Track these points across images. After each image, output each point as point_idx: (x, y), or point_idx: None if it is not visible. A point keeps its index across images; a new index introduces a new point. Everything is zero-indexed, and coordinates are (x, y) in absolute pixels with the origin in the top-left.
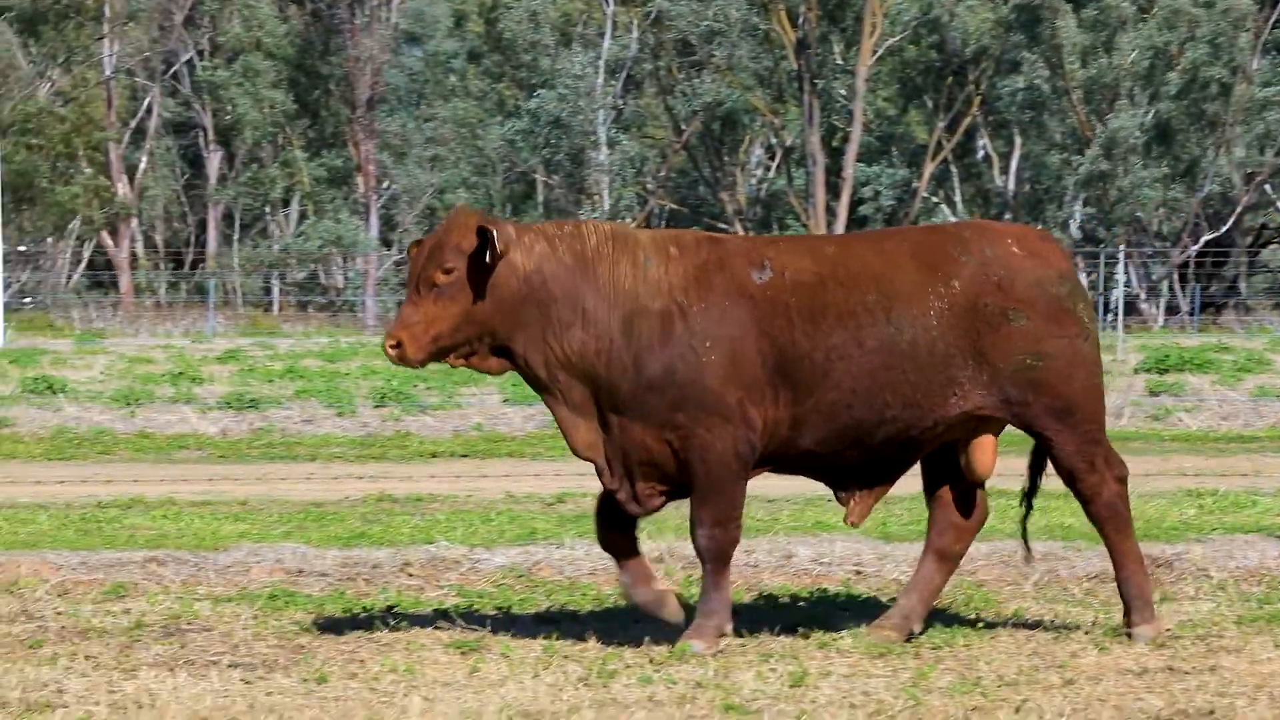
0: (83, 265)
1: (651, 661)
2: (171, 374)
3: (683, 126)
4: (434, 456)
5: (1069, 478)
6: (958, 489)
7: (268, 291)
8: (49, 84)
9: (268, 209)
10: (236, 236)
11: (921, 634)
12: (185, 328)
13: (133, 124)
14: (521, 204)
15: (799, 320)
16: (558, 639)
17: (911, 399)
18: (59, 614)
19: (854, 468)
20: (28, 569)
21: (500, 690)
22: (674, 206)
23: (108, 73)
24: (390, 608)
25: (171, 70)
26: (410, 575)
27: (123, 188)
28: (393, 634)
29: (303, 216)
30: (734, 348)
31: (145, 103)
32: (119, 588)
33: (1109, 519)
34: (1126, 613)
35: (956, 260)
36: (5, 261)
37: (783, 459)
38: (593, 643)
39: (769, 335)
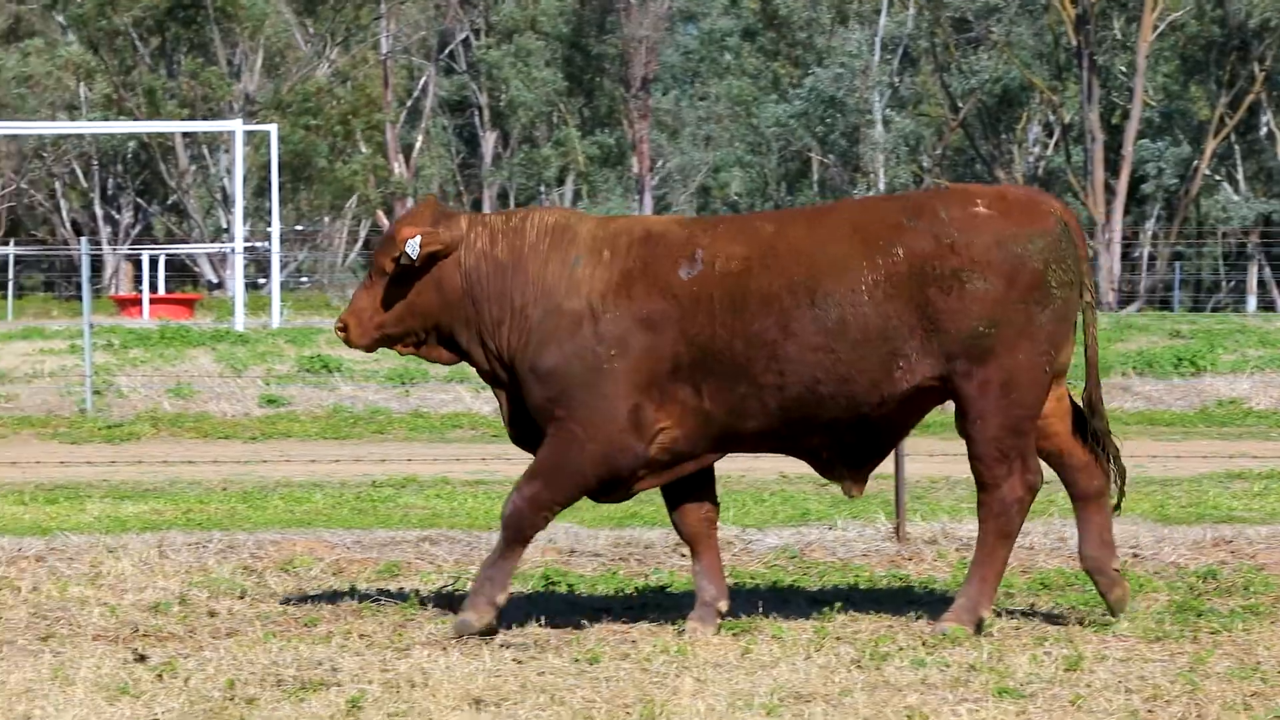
0: (359, 244)
1: (924, 644)
2: None
3: (959, 104)
4: None
5: (975, 460)
6: (1060, 439)
7: None
8: (327, 64)
9: (542, 188)
10: None
11: (1199, 616)
12: None
13: (409, 103)
14: (796, 182)
15: (720, 311)
16: (830, 621)
17: (848, 377)
18: (334, 592)
19: (824, 448)
20: (303, 547)
21: (772, 672)
22: (950, 185)
23: (385, 52)
24: (662, 588)
25: (447, 49)
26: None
27: (399, 167)
28: (664, 614)
29: (577, 196)
30: (641, 354)
31: (421, 82)
32: (392, 567)
33: (995, 519)
34: (956, 603)
35: (902, 227)
36: (283, 241)
37: (735, 442)
38: (865, 624)
39: (686, 334)
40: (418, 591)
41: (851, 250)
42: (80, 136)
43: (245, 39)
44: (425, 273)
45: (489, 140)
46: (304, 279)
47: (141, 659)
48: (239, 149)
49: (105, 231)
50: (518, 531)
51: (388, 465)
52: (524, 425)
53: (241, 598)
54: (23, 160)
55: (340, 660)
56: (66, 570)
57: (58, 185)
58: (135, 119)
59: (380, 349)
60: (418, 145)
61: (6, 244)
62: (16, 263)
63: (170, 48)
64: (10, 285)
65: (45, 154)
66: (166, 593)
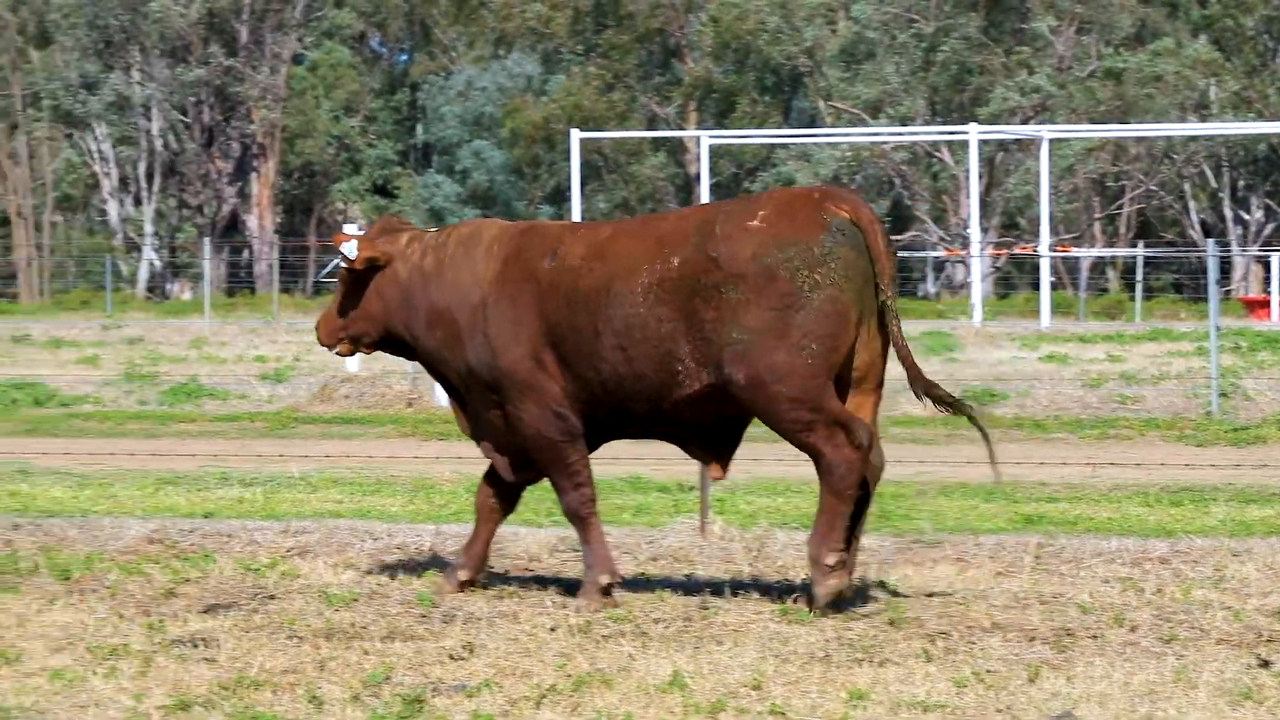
0: None
1: None
2: None
3: None
4: None
5: (794, 443)
6: None
7: None
8: None
9: None
10: None
11: None
12: None
13: None
14: None
15: (563, 303)
16: None
17: (640, 374)
18: None
19: (666, 438)
20: None
21: None
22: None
23: None
24: None
25: None
26: None
27: None
28: None
29: None
30: (520, 330)
31: None
32: None
33: (828, 477)
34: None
35: (686, 240)
36: None
37: (607, 428)
38: None
39: (545, 317)
40: None
41: (642, 260)
42: (1209, 137)
43: None
44: (368, 282)
45: None
46: None
47: (1265, 664)
48: None
49: (1234, 233)
50: (574, 515)
51: None
52: (474, 421)
53: None
54: (1152, 162)
55: None
56: (1190, 573)
57: (1186, 186)
58: (1263, 118)
59: (354, 350)
60: None
61: (1135, 246)
62: (1145, 264)
63: None
64: (1139, 287)
65: (1174, 155)
66: None
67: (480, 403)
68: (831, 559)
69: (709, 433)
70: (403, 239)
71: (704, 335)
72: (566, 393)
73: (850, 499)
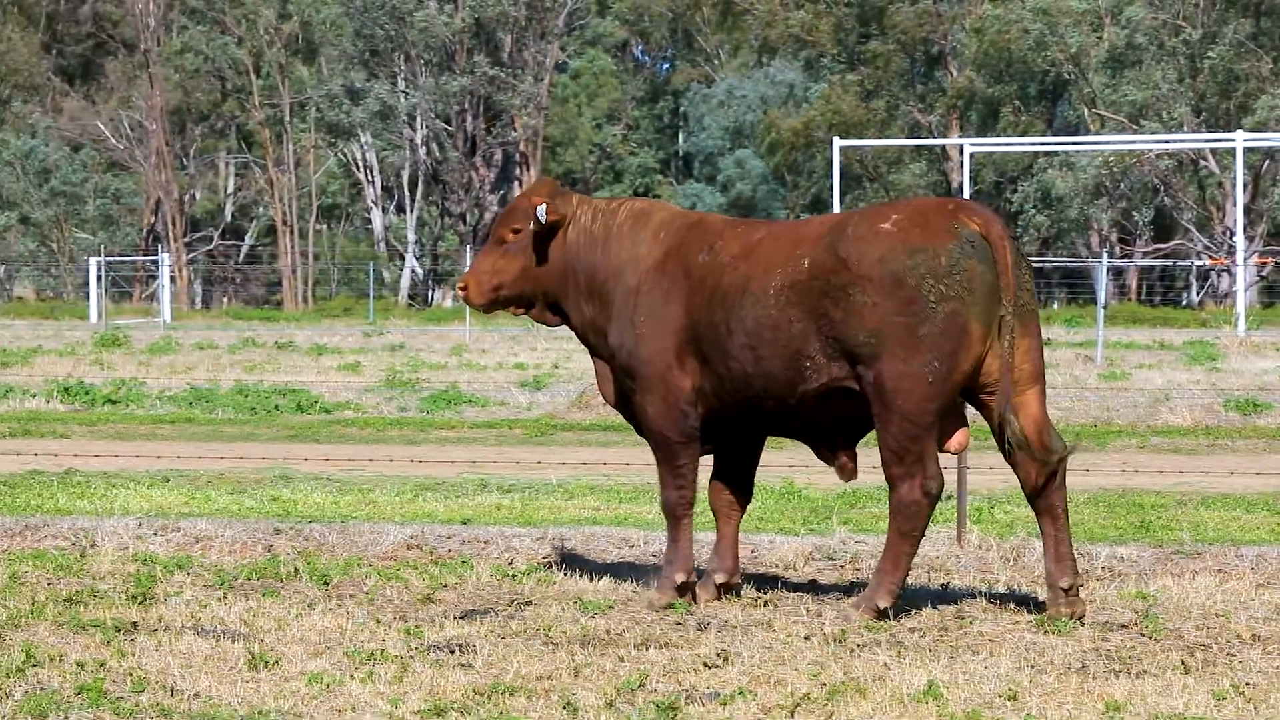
0: None
1: None
2: None
3: None
4: None
5: (883, 461)
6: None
7: None
8: None
9: None
10: None
11: None
12: None
13: None
14: None
15: (707, 300)
16: None
17: (768, 373)
18: None
19: (797, 435)
20: None
21: None
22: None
23: None
24: None
25: None
26: None
27: None
28: None
29: None
30: (664, 324)
31: None
32: None
33: (894, 518)
34: (862, 593)
35: (818, 243)
36: None
37: (734, 423)
38: None
39: (690, 313)
40: None
41: (778, 263)
42: None
43: None
44: (537, 243)
45: None
46: None
47: None
48: None
49: None
50: (668, 513)
51: None
52: (618, 390)
53: None
54: None
55: None
56: None
57: None
58: None
59: (495, 310)
60: None
61: None
62: None
63: None
64: None
65: None
66: None
67: (621, 377)
68: (885, 601)
69: (831, 431)
70: (573, 200)
71: (833, 334)
72: (698, 390)
73: (915, 541)
